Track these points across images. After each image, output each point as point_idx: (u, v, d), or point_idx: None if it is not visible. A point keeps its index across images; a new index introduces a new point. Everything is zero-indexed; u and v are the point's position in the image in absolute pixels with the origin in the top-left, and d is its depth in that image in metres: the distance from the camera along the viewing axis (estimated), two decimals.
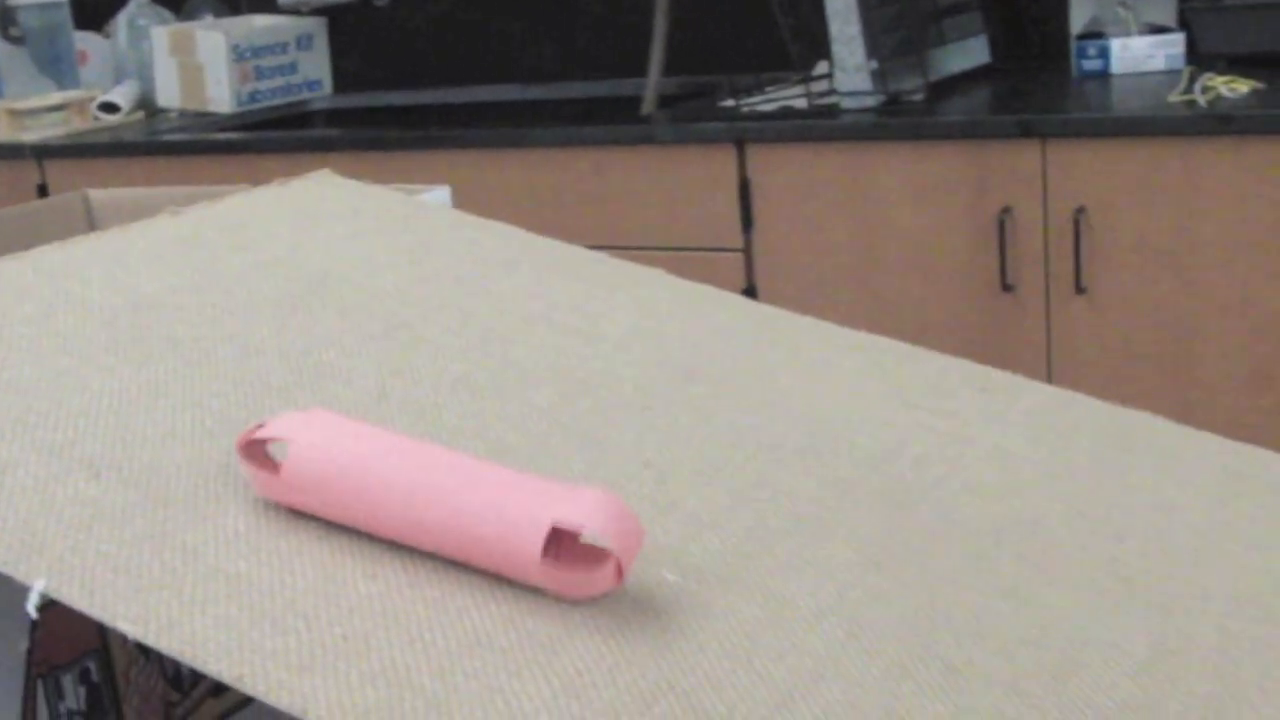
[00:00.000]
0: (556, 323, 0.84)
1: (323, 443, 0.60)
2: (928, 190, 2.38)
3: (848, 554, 0.65)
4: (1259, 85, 2.30)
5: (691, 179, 2.53)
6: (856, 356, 0.86)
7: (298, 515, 0.61)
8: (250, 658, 0.52)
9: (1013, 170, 2.32)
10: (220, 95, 2.99)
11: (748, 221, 2.51)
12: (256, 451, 0.62)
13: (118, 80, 3.17)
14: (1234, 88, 2.31)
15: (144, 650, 0.86)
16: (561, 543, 0.57)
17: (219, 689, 0.92)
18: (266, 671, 0.52)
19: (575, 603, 0.56)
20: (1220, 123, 2.20)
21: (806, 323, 0.90)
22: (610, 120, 2.66)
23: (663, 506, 0.66)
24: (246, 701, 0.94)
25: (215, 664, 0.52)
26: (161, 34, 3.04)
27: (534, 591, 0.58)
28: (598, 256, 0.96)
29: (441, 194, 1.07)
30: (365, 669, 0.53)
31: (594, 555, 0.57)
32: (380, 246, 0.91)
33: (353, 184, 1.01)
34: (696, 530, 0.65)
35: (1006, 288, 2.34)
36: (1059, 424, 0.81)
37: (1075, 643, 0.62)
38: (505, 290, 0.87)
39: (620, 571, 0.57)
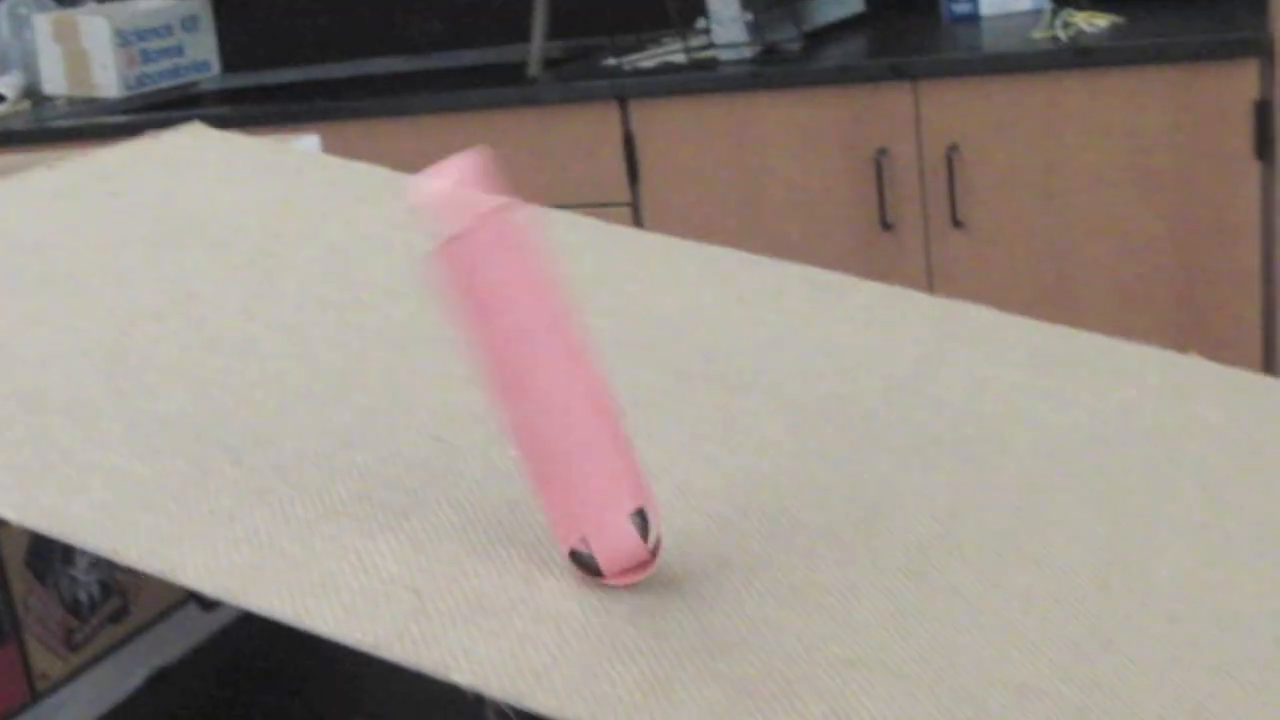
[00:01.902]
0: (416, 247, 0.89)
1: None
2: (806, 136, 2.45)
3: (680, 429, 0.71)
4: (1117, 19, 2.39)
5: (577, 137, 2.59)
6: (698, 265, 0.92)
7: (167, 421, 0.66)
8: (124, 533, 0.58)
9: (887, 112, 2.40)
10: (107, 80, 3.01)
11: (634, 175, 2.57)
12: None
13: (1, 70, 3.17)
14: (1093, 22, 2.39)
15: (41, 579, 0.91)
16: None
17: (118, 616, 0.97)
18: (139, 543, 0.57)
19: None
20: (1080, 56, 2.28)
21: (652, 238, 0.96)
22: (495, 84, 2.71)
23: None
24: (146, 627, 0.98)
25: (92, 540, 0.57)
26: (44, 21, 3.05)
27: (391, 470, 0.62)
28: None
29: (310, 141, 1.12)
30: (230, 537, 0.58)
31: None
32: (248, 187, 0.96)
33: (222, 134, 1.06)
34: None
35: (886, 226, 2.42)
36: (886, 316, 0.88)
37: (885, 493, 0.68)
38: (368, 221, 0.92)
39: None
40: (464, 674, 0.52)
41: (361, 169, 1.03)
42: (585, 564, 0.57)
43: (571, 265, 0.90)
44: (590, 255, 0.91)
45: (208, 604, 1.02)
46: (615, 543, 0.56)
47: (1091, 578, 0.64)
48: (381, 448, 0.67)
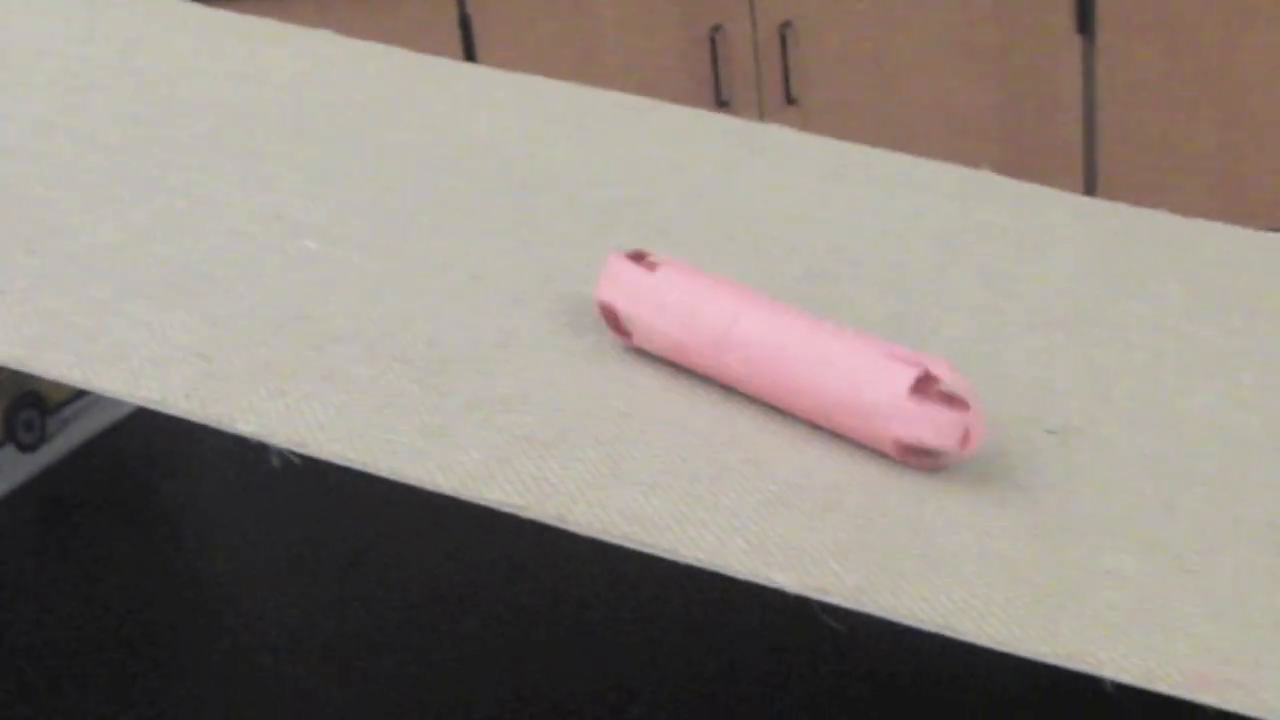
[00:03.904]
0: (222, 71, 0.89)
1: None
2: (641, 15, 2.46)
3: (475, 224, 0.73)
4: None
5: (412, 19, 2.57)
6: (509, 89, 0.93)
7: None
8: None
9: None
10: None
11: (470, 57, 2.56)
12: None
13: None
14: None
15: None
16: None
17: None
18: None
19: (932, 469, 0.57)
20: None
21: (467, 68, 0.97)
22: None
23: (311, 197, 0.73)
24: None
25: None
26: None
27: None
28: (271, 23, 1.01)
29: None
30: (21, 313, 0.59)
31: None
32: (54, 16, 0.95)
33: None
34: (342, 212, 0.72)
35: (721, 103, 2.44)
36: (690, 133, 0.90)
37: None
38: (175, 48, 0.92)
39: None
40: (248, 425, 0.53)
41: (178, 6, 1.03)
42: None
43: (376, 88, 0.90)
44: (398, 79, 0.92)
45: (26, 445, 1.02)
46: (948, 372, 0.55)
47: None
48: (181, 241, 0.67)
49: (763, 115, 2.43)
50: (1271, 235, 0.88)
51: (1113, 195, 2.26)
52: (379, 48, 0.99)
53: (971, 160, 2.36)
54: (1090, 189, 2.31)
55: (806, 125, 2.42)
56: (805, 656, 0.69)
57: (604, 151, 0.85)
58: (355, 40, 1.00)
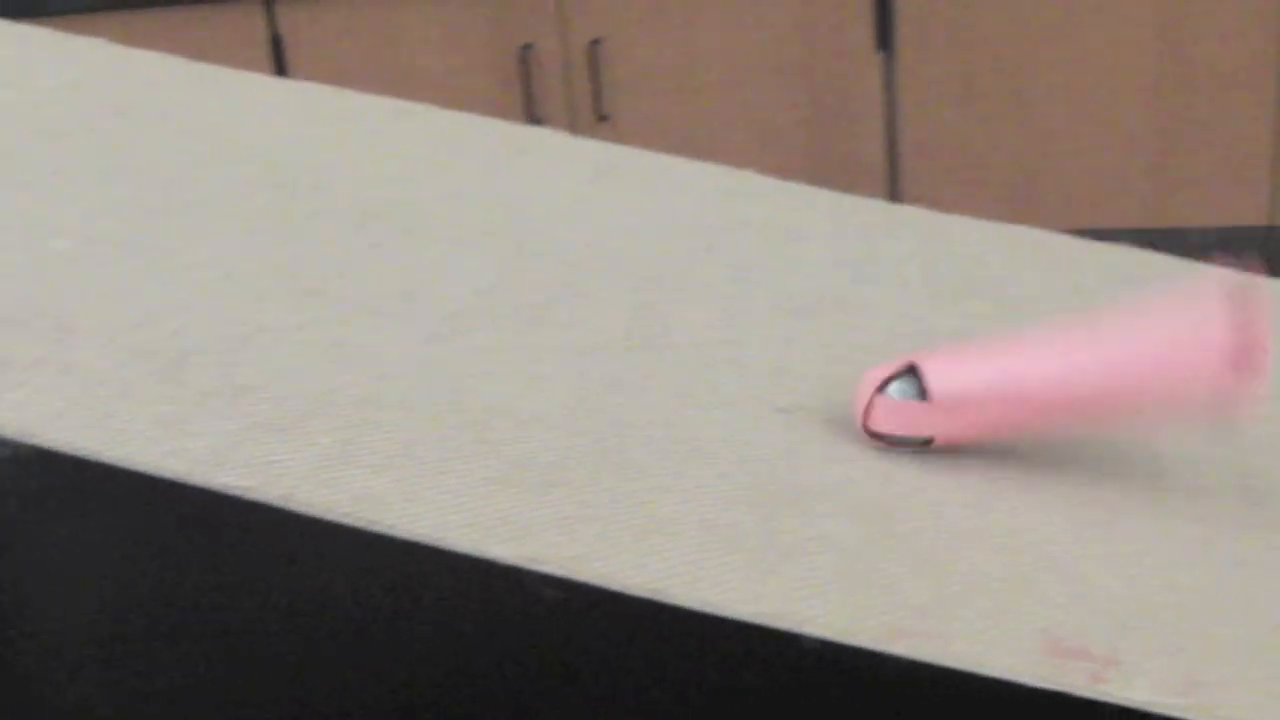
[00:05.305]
0: (24, 93, 0.89)
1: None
2: (452, 35, 2.47)
3: (232, 224, 0.74)
4: None
5: (223, 39, 2.55)
6: (282, 95, 0.94)
7: None
8: None
9: (530, 8, 2.43)
10: None
11: (282, 75, 2.55)
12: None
13: None
14: None
15: None
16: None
17: None
18: None
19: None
20: None
21: (241, 75, 0.97)
22: None
23: (67, 198, 0.73)
24: None
25: None
26: None
27: None
28: (42, 30, 1.01)
29: None
30: None
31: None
32: None
33: None
34: (98, 212, 0.72)
35: (535, 120, 2.46)
36: (458, 136, 0.92)
37: (428, 273, 0.72)
38: None
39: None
40: None
41: None
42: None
43: (153, 96, 0.91)
44: (176, 87, 0.93)
45: None
46: None
47: (613, 335, 0.69)
48: None
49: (575, 132, 2.46)
50: (1019, 228, 0.93)
51: (915, 205, 2.32)
52: (152, 55, 1.00)
53: (779, 173, 2.41)
54: (894, 199, 2.37)
55: (618, 140, 2.45)
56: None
57: (370, 154, 0.87)
58: (127, 48, 1.00)
